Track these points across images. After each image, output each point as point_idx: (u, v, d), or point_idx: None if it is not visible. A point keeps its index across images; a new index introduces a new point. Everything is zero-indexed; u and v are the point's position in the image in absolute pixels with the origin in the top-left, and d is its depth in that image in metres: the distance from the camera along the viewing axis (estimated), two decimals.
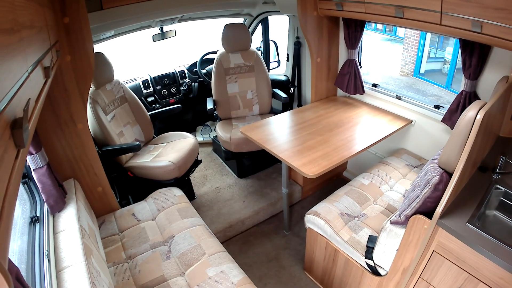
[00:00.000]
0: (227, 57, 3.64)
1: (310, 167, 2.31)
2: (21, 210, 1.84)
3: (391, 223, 1.88)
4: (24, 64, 0.91)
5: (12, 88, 0.74)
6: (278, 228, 3.21)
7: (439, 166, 1.68)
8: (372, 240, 2.07)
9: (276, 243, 3.04)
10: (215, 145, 4.18)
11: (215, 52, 3.86)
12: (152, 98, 4.06)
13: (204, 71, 4.24)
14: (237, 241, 3.11)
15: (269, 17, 4.06)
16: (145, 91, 4.03)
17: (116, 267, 2.09)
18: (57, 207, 1.94)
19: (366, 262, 2.07)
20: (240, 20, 4.13)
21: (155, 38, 3.64)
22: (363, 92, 3.21)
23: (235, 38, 3.56)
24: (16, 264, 0.94)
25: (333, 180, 3.74)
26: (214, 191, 3.57)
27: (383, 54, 8.32)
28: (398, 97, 2.99)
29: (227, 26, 3.53)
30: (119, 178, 2.96)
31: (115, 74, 3.13)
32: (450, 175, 1.60)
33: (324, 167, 2.28)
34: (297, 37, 3.48)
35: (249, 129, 2.90)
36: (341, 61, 3.33)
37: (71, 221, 1.89)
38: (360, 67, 3.24)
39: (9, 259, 0.96)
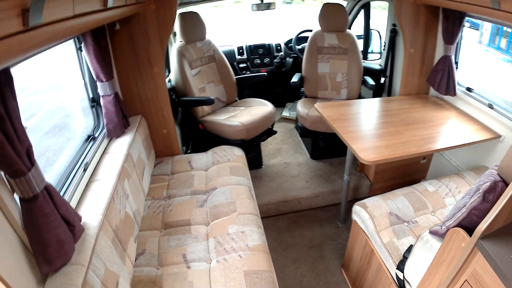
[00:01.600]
0: (321, 36, 3.51)
1: (369, 153, 2.11)
2: (83, 128, 2.12)
3: (430, 232, 1.56)
4: None
5: None
6: (333, 218, 3.01)
7: (497, 174, 1.31)
8: (410, 250, 1.76)
9: (326, 232, 2.85)
10: (297, 122, 4.11)
11: (311, 31, 3.75)
12: (244, 65, 4.19)
13: (299, 47, 4.18)
14: (287, 219, 3.02)
15: (371, 4, 3.83)
16: (239, 57, 4.18)
17: (153, 201, 2.25)
18: (114, 133, 2.17)
19: (396, 273, 1.78)
20: (343, 3, 3.92)
21: (254, 7, 3.69)
22: (454, 93, 2.75)
23: (331, 17, 3.42)
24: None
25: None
26: (283, 165, 3.52)
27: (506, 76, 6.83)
28: (490, 106, 2.46)
29: (325, 5, 3.42)
30: (191, 128, 3.15)
31: (208, 35, 3.32)
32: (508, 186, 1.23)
33: (384, 157, 2.08)
34: (394, 25, 3.14)
35: (324, 106, 2.78)
36: (437, 57, 2.89)
37: (121, 146, 2.09)
38: (456, 67, 2.79)
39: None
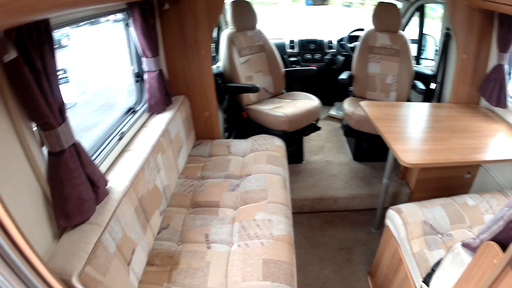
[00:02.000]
0: (374, 35, 3.38)
1: (410, 155, 1.98)
2: (126, 101, 2.20)
3: (463, 245, 1.39)
4: None
5: None
6: (367, 223, 2.85)
7: None
8: (439, 263, 1.60)
9: (358, 236, 2.71)
10: (343, 121, 3.98)
11: (363, 30, 3.61)
12: (294, 59, 4.13)
13: (351, 45, 4.05)
14: (321, 217, 2.91)
15: (426, 6, 3.63)
16: (289, 50, 4.14)
17: (186, 180, 2.27)
18: (155, 109, 2.23)
19: (421, 286, 1.63)
20: (398, 4, 3.73)
21: (310, 2, 3.64)
22: (505, 106, 2.51)
23: (385, 16, 3.30)
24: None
25: None
26: (324, 163, 3.42)
27: None
28: None
29: (379, 4, 3.31)
30: (235, 116, 3.19)
31: (259, 25, 3.32)
32: None
33: (425, 161, 1.97)
34: (448, 29, 2.91)
35: (369, 105, 2.66)
36: (490, 65, 2.64)
37: (160, 122, 2.14)
38: (510, 78, 2.56)
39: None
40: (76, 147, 1.23)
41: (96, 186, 1.33)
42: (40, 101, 1.06)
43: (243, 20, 3.16)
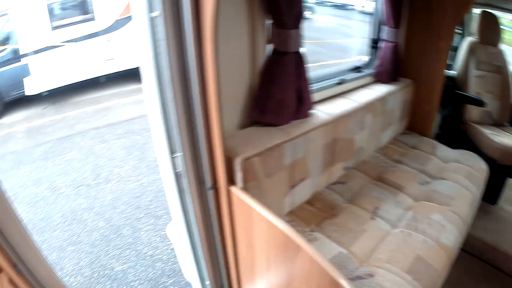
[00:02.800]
0: None
1: None
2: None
3: None
4: None
5: None
6: None
7: None
8: None
9: None
10: None
11: None
12: None
13: None
14: (484, 268, 2.32)
15: None
16: None
17: (381, 156, 2.26)
18: (381, 76, 2.28)
19: None
20: None
21: None
22: None
23: None
24: None
25: None
26: None
27: None
28: None
29: None
30: (453, 124, 2.91)
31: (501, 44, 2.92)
32: None
33: None
34: None
35: None
36: None
37: (381, 88, 2.18)
38: None
39: None
40: (299, 57, 1.38)
41: (301, 103, 1.45)
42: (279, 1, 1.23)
43: (489, 34, 2.85)
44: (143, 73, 1.19)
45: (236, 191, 1.17)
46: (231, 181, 1.20)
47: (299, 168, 1.49)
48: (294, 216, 1.60)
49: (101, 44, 5.97)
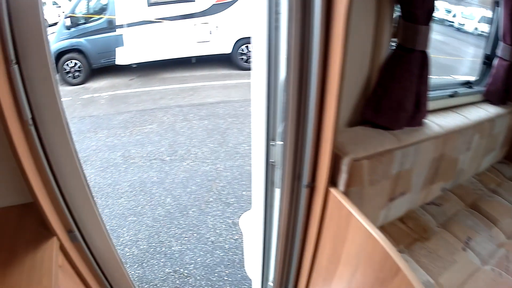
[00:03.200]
0: None
1: None
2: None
3: None
4: None
5: None
6: None
7: None
8: None
9: None
10: None
11: None
12: None
13: None
14: None
15: None
16: None
17: (478, 183, 2.03)
18: (490, 96, 2.01)
19: None
20: None
21: None
22: None
23: None
24: None
25: None
26: None
27: None
28: None
29: None
30: None
31: None
32: None
33: None
34: None
35: None
36: None
37: (491, 109, 1.95)
38: None
39: None
40: (425, 57, 1.22)
41: (418, 109, 1.30)
42: None
43: None
44: (254, 48, 1.10)
45: (336, 193, 1.05)
46: (331, 182, 1.07)
47: (402, 180, 1.35)
48: (384, 232, 1.46)
49: (196, 26, 6.08)
